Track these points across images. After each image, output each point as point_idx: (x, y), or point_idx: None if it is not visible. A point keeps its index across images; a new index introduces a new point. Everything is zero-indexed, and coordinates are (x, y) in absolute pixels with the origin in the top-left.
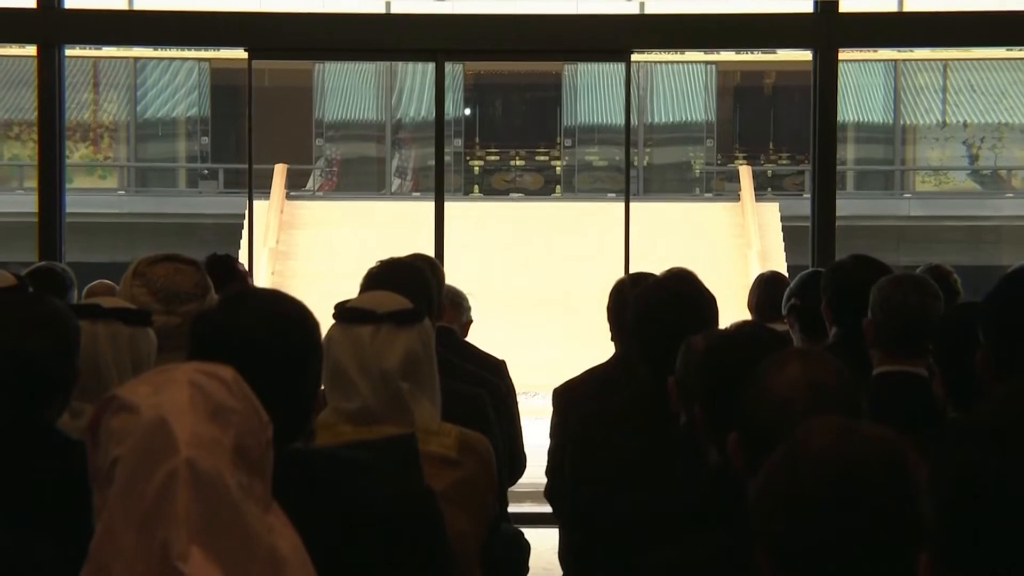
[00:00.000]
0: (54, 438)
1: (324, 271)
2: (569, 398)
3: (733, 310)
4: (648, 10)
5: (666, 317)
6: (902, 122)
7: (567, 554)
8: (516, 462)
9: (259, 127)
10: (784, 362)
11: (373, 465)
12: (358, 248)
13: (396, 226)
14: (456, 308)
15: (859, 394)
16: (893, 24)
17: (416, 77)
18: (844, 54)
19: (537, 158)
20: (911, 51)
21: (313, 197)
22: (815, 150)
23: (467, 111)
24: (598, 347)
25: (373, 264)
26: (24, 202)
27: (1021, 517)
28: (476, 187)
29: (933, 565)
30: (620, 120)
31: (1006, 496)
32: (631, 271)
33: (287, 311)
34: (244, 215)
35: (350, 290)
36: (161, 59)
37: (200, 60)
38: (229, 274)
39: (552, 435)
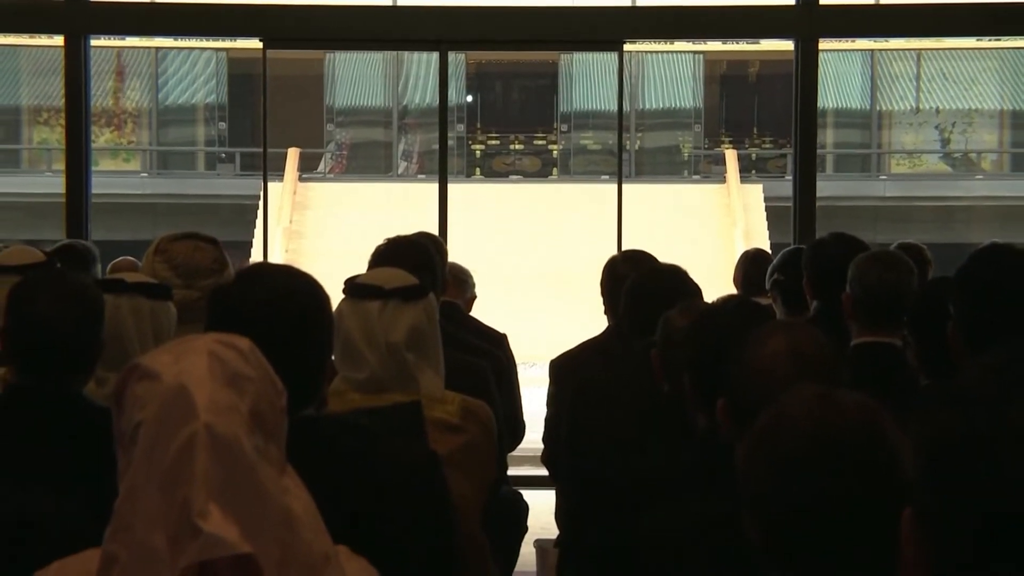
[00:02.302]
0: (81, 405)
1: (334, 249)
2: (565, 369)
3: (719, 285)
4: (640, 2)
5: (655, 305)
6: (878, 108)
7: (563, 515)
8: (516, 429)
9: (273, 113)
10: (769, 333)
11: (381, 430)
12: (366, 227)
13: (402, 206)
14: (461, 284)
15: (840, 363)
16: (870, 15)
17: (421, 66)
18: (824, 44)
19: (535, 142)
20: (887, 41)
21: (324, 179)
22: (796, 135)
23: (469, 98)
24: (592, 320)
25: (380, 242)
26: (53, 184)
27: (992, 475)
28: (478, 170)
29: (915, 520)
30: (613, 106)
31: (979, 455)
32: (623, 249)
33: (299, 286)
34: (259, 196)
35: (359, 267)
36: (181, 49)
37: (218, 50)
38: None
39: (549, 404)
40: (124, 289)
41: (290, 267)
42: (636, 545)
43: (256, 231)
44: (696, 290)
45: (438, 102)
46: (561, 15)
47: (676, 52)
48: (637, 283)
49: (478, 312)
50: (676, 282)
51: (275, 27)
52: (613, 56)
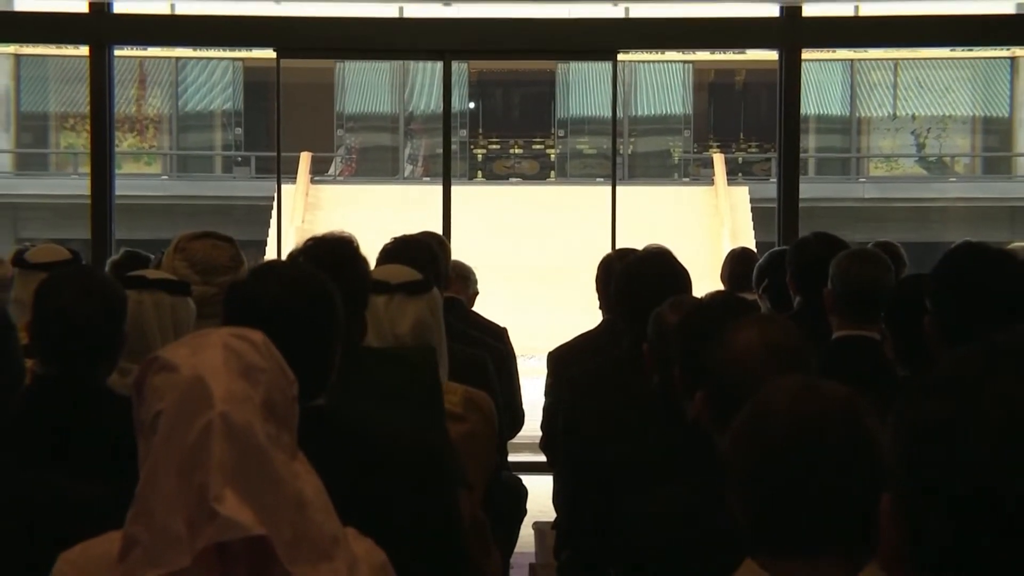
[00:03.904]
0: (104, 394)
1: None
2: (562, 360)
3: (708, 281)
4: (632, 14)
5: (645, 291)
6: (857, 114)
7: (560, 498)
8: (515, 418)
9: (286, 119)
10: (742, 327)
11: (387, 420)
12: (375, 227)
13: (408, 207)
14: (464, 281)
15: (811, 353)
16: (850, 27)
17: (426, 74)
18: (806, 54)
19: (534, 147)
20: (866, 51)
21: (335, 181)
22: (780, 139)
23: (471, 105)
24: (588, 315)
25: (388, 241)
26: (78, 185)
27: (965, 459)
28: (479, 172)
29: (893, 504)
30: (607, 113)
31: (954, 440)
32: (617, 247)
33: (310, 282)
34: (273, 197)
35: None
36: (200, 58)
37: (234, 59)
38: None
39: (547, 393)
40: (146, 285)
41: (302, 264)
42: (627, 526)
43: (270, 231)
44: (684, 273)
45: (442, 108)
46: (558, 26)
47: (666, 61)
48: (625, 274)
49: (480, 307)
50: (664, 266)
51: (288, 38)
52: (607, 65)
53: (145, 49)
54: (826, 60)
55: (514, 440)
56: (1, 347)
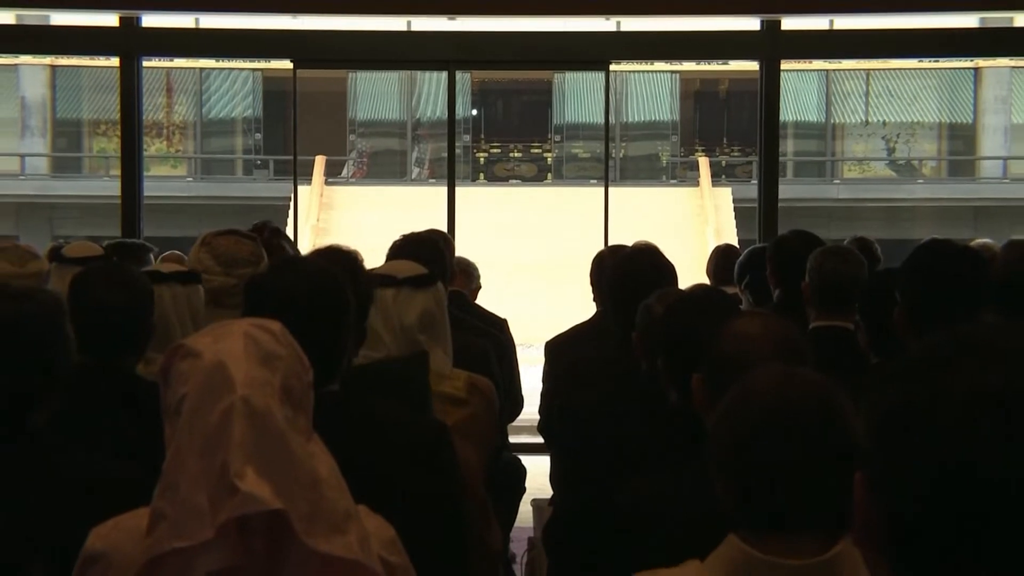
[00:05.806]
0: (132, 380)
1: (356, 244)
2: (558, 349)
3: (694, 276)
4: (624, 28)
5: (634, 284)
6: (832, 121)
7: (556, 478)
8: (515, 403)
9: (302, 125)
10: (747, 320)
11: (394, 404)
12: (384, 225)
13: (415, 207)
14: (467, 276)
15: (806, 348)
16: (826, 39)
17: (432, 83)
18: (784, 64)
19: (532, 151)
20: (840, 62)
21: (347, 183)
22: (761, 144)
23: (474, 111)
24: (583, 307)
25: (397, 238)
26: (110, 187)
27: (932, 441)
28: (481, 175)
29: (865, 484)
30: (600, 119)
31: (921, 423)
32: (609, 244)
33: (324, 277)
34: (290, 198)
35: (378, 259)
36: (222, 69)
37: (254, 69)
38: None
39: (544, 380)
40: (162, 279)
41: (317, 260)
42: (615, 505)
43: (287, 229)
44: (670, 268)
45: (447, 115)
46: (555, 39)
47: (655, 71)
48: (614, 270)
49: (482, 300)
50: (652, 261)
51: (304, 50)
52: (600, 75)
53: (172, 60)
54: (803, 70)
55: (514, 423)
56: (54, 325)
